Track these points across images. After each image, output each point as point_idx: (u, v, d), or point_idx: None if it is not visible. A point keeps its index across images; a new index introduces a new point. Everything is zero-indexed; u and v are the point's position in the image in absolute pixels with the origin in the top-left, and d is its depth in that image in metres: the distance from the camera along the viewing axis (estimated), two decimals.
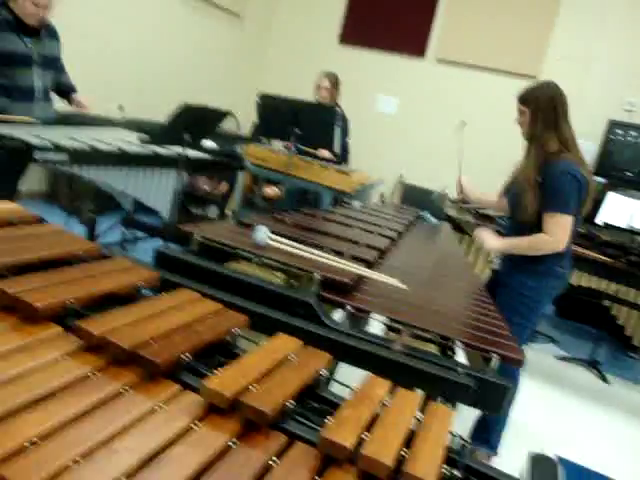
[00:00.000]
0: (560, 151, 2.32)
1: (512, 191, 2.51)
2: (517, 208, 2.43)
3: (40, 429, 0.69)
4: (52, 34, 3.06)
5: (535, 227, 2.36)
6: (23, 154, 2.48)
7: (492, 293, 2.32)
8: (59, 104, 3.34)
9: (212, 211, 5.09)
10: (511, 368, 1.54)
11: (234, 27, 6.66)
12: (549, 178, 2.31)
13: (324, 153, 4.17)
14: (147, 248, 4.05)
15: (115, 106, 3.94)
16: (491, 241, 2.56)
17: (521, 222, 2.42)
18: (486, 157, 6.14)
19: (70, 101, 3.27)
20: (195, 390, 0.84)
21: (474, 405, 1.22)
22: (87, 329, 0.88)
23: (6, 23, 2.80)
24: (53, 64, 3.09)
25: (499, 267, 2.67)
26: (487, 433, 2.59)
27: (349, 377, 1.05)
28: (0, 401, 0.72)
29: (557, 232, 2.31)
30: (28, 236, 1.26)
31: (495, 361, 1.31)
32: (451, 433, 0.85)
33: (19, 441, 0.66)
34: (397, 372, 1.21)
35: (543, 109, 2.32)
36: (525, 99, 2.39)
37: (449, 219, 3.78)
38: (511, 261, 2.55)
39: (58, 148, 2.61)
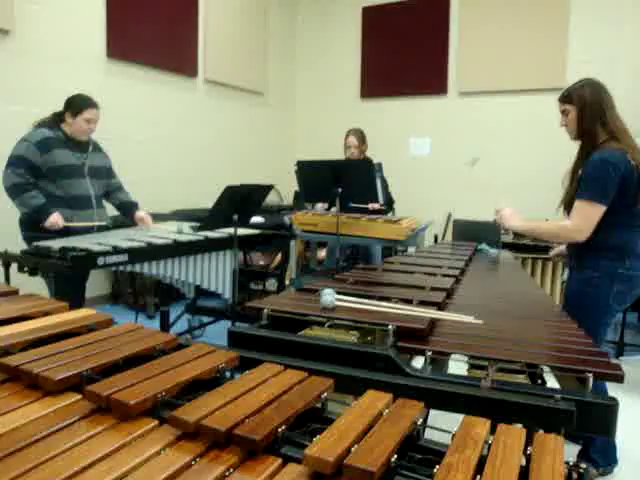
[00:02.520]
0: (606, 141, 2.27)
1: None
2: (565, 202, 2.42)
3: None
4: (98, 148, 3.37)
5: None
6: (87, 262, 2.61)
7: None
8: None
9: (271, 284, 5.15)
10: (599, 385, 1.46)
11: (260, 104, 6.93)
12: (587, 167, 2.26)
13: (374, 205, 4.20)
14: (215, 331, 4.11)
15: (161, 201, 4.09)
16: (511, 220, 2.50)
17: None
18: (527, 176, 6.08)
19: (132, 218, 3.49)
20: (297, 461, 0.84)
21: (580, 430, 1.16)
22: (182, 418, 0.90)
23: (61, 141, 3.12)
24: (103, 174, 3.33)
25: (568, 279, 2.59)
26: (589, 453, 2.46)
27: (440, 423, 1.02)
28: None
29: (578, 220, 2.24)
30: (109, 338, 1.31)
31: (591, 381, 1.26)
32: (566, 462, 0.82)
33: None
34: (491, 409, 1.18)
35: (590, 102, 2.30)
36: (569, 97, 2.37)
37: (507, 246, 3.71)
38: (572, 270, 2.49)
39: (118, 250, 2.73)
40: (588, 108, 2.30)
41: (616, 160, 2.19)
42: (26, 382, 1.09)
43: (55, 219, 2.99)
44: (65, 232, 3.02)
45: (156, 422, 0.95)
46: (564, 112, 2.41)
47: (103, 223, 3.30)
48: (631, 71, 5.56)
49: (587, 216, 2.22)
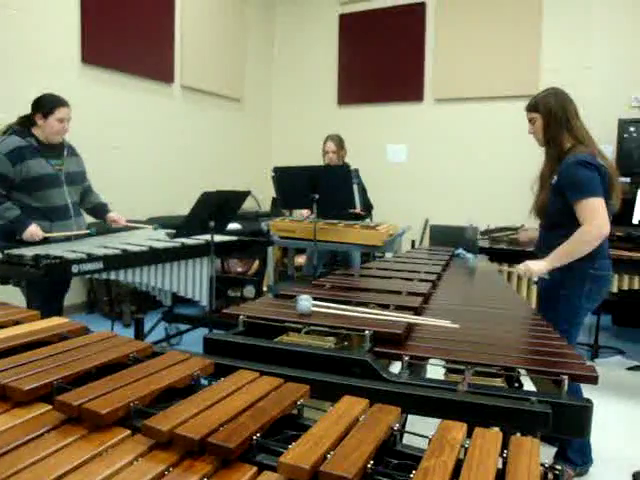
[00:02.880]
0: (573, 147, 2.36)
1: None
2: (536, 208, 2.50)
3: None
4: (72, 151, 3.24)
5: (560, 225, 2.36)
6: (61, 270, 2.56)
7: None
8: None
9: (249, 290, 5.13)
10: (573, 387, 1.48)
11: (237, 110, 6.91)
12: (564, 173, 2.33)
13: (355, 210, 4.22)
14: (192, 339, 4.07)
15: (137, 208, 4.08)
16: (536, 266, 2.42)
17: (546, 226, 2.48)
18: (499, 182, 6.16)
19: (105, 220, 3.44)
20: (272, 469, 0.83)
21: (556, 432, 1.17)
22: (155, 427, 0.88)
23: (34, 149, 2.99)
24: (78, 179, 3.26)
25: (539, 281, 2.63)
26: (567, 453, 2.49)
27: (419, 428, 1.02)
28: None
29: (592, 216, 2.24)
30: (81, 347, 1.29)
31: (566, 383, 1.27)
32: (542, 464, 0.82)
33: None
34: (468, 413, 1.18)
35: (554, 111, 2.39)
36: (535, 106, 2.47)
37: (484, 251, 3.74)
38: (544, 273, 2.51)
39: (92, 258, 2.69)
40: (553, 116, 2.40)
41: (589, 160, 2.28)
42: None
43: (33, 230, 2.89)
44: (43, 243, 2.95)
45: (128, 432, 0.93)
46: (531, 120, 2.51)
47: (82, 232, 3.21)
48: (601, 79, 5.67)
49: (597, 209, 2.24)
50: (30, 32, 4.36)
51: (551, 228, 2.45)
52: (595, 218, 2.24)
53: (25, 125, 3.04)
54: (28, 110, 3.05)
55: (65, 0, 4.63)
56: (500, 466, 0.83)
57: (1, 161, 2.88)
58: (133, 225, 3.56)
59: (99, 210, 3.41)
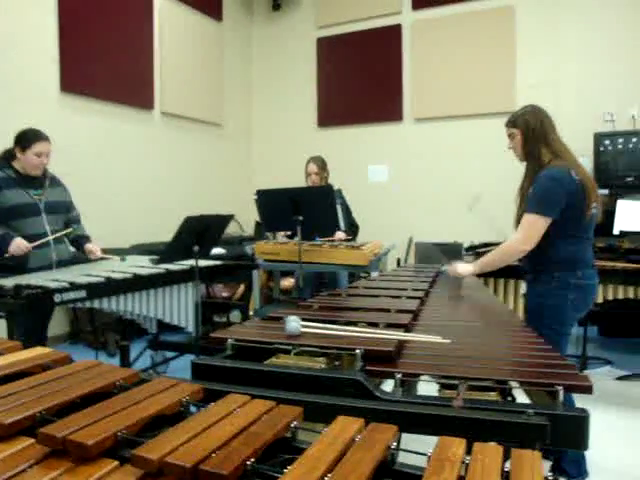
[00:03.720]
0: (550, 160, 2.42)
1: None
2: (516, 221, 2.54)
3: None
4: (55, 183, 3.28)
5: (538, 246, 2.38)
6: (43, 299, 2.51)
7: None
8: None
9: (235, 315, 5.07)
10: (566, 398, 1.46)
11: (217, 136, 6.92)
12: (535, 184, 2.40)
13: (340, 235, 4.21)
14: (180, 366, 4.01)
15: (119, 235, 4.05)
16: (462, 268, 2.65)
17: None
18: (483, 197, 6.19)
19: (83, 251, 3.41)
20: None
21: (554, 445, 1.15)
22: (145, 456, 0.85)
23: (12, 180, 3.02)
24: (61, 209, 3.26)
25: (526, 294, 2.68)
26: (561, 464, 2.48)
27: (413, 446, 0.99)
28: None
29: (520, 232, 2.36)
30: (65, 376, 1.25)
31: (562, 394, 1.25)
32: (545, 478, 0.80)
33: None
34: (465, 428, 1.15)
35: (532, 126, 2.46)
36: (514, 122, 2.54)
37: None
38: (529, 284, 2.59)
39: (75, 286, 2.64)
40: (531, 131, 2.47)
41: (561, 176, 2.33)
42: None
43: (19, 242, 2.90)
44: (21, 268, 2.92)
45: (116, 462, 0.89)
46: (510, 136, 2.58)
47: (66, 231, 3.23)
48: (575, 94, 5.78)
49: (531, 226, 2.34)
50: (9, 62, 4.34)
51: None
52: (521, 232, 2.37)
53: (6, 158, 3.08)
54: (7, 140, 3.07)
55: (43, 29, 4.63)
56: None
57: None
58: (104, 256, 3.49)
59: (80, 242, 3.40)
